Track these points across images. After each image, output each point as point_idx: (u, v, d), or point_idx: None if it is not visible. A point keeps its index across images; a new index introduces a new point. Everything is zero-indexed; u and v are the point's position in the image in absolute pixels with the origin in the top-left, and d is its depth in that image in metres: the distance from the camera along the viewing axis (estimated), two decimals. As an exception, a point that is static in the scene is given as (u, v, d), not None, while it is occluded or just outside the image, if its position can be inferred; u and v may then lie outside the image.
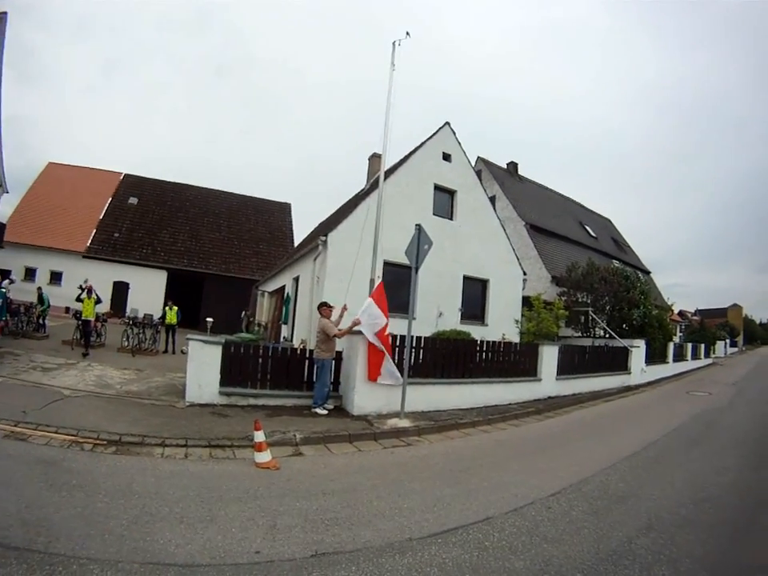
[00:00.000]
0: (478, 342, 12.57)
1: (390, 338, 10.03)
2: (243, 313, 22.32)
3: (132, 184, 38.34)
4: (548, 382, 13.61)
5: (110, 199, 36.11)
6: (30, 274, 31.27)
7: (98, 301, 15.95)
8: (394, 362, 10.11)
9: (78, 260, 31.52)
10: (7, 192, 26.05)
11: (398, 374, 9.83)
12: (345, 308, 10.24)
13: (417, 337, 10.94)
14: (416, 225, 10.32)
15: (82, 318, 15.50)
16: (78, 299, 15.74)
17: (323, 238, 15.16)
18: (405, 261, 10.53)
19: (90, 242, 32.56)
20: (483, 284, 19.24)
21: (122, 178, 38.60)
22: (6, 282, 15.60)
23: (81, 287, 16.07)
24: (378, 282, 10.40)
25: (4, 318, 14.53)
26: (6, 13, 20.09)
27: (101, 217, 34.54)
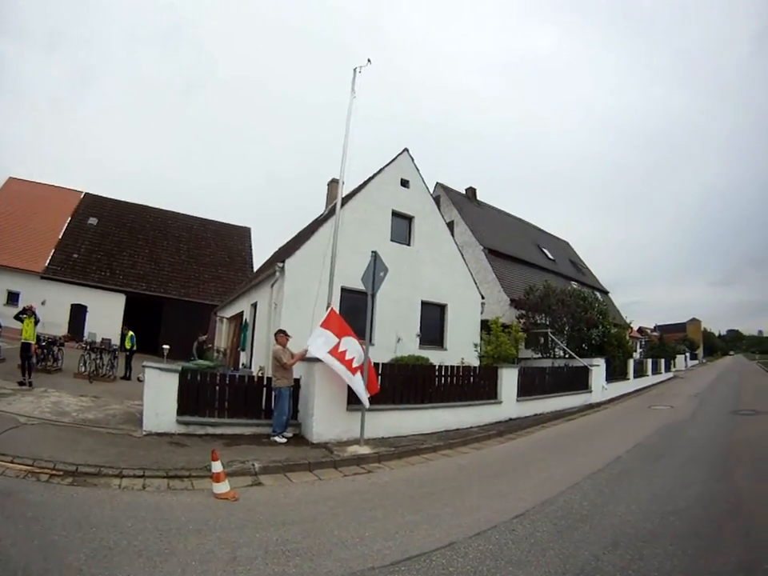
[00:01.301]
0: (437, 367, 12.64)
1: (348, 356, 9.64)
2: (197, 339, 22.00)
3: (92, 203, 37.59)
4: (509, 404, 13.72)
5: (70, 219, 35.31)
6: (-15, 293, 30.35)
7: (37, 320, 14.62)
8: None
9: (35, 280, 30.65)
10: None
11: (364, 394, 9.66)
12: (304, 353, 10.02)
13: (375, 363, 10.92)
14: (372, 252, 10.43)
15: (22, 340, 14.01)
16: (17, 318, 14.53)
17: (280, 265, 15.19)
18: (362, 287, 10.60)
19: (48, 262, 31.66)
20: (441, 309, 19.42)
21: (82, 196, 37.80)
22: None
23: (24, 308, 14.84)
24: (329, 309, 10.43)
25: None
26: None
27: (60, 236, 33.70)
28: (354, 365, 9.58)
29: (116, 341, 21.67)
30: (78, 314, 31.14)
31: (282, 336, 10.40)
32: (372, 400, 10.21)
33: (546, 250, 36.78)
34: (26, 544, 4.49)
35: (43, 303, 28.96)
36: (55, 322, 28.33)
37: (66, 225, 34.77)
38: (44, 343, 17.07)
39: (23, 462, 6.82)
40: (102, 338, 19.72)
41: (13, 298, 30.36)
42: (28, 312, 14.27)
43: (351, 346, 9.68)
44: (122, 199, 40.07)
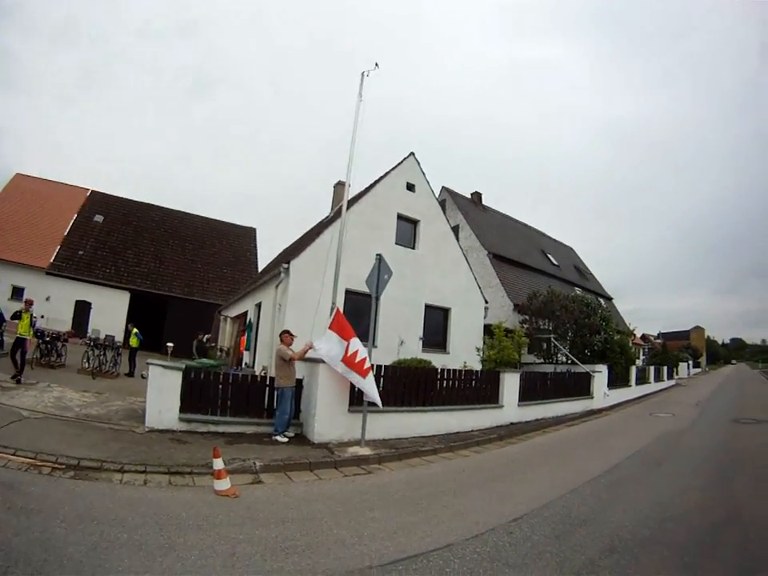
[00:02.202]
0: (439, 370, 12.68)
1: (358, 358, 9.67)
2: (196, 338, 21.99)
3: (98, 201, 37.70)
4: (510, 408, 13.73)
5: (76, 216, 35.44)
6: (-10, 287, 30.38)
7: (33, 321, 13.92)
8: (354, 389, 10.22)
9: (40, 276, 30.75)
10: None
11: (376, 395, 9.70)
12: (309, 346, 10.09)
13: (378, 365, 11.00)
14: (376, 255, 10.50)
15: (17, 335, 13.52)
16: (15, 316, 13.90)
17: (285, 266, 15.23)
18: (366, 289, 10.67)
19: (53, 258, 31.77)
20: (445, 312, 19.42)
21: (88, 194, 37.95)
22: None
23: (24, 302, 14.49)
24: (334, 309, 10.52)
25: None
26: None
27: (65, 233, 33.81)
28: (366, 365, 9.66)
29: (120, 338, 21.76)
30: (82, 310, 31.22)
31: (287, 336, 10.45)
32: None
33: (550, 256, 36.77)
34: (27, 535, 4.52)
35: (48, 299, 29.17)
36: (59, 318, 28.57)
37: (72, 222, 34.90)
38: (47, 338, 17.10)
39: (25, 454, 6.86)
40: (106, 335, 19.74)
41: (17, 292, 30.36)
42: (27, 306, 13.93)
43: (360, 346, 9.73)
44: (128, 197, 40.28)
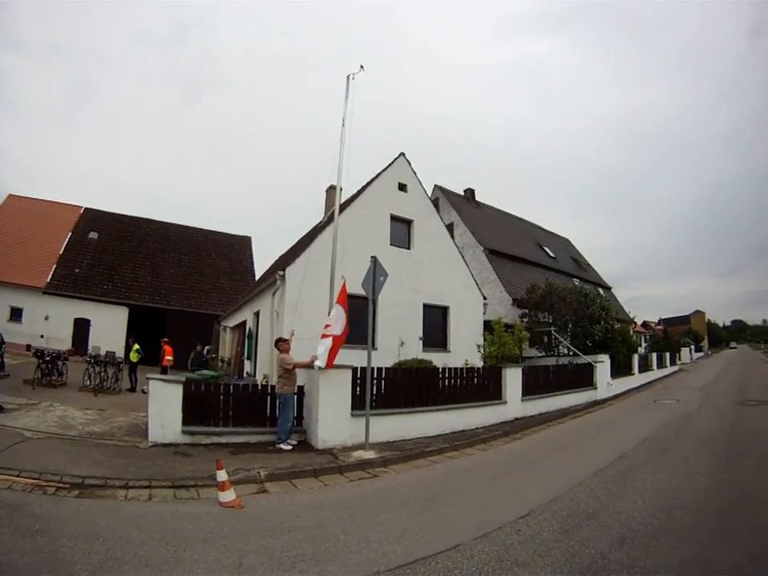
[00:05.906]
0: (440, 369, 12.65)
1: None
2: (195, 348, 21.86)
3: (92, 218, 37.67)
4: (513, 403, 13.70)
5: (70, 234, 35.43)
6: (-12, 309, 30.26)
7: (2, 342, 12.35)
8: (356, 393, 10.32)
9: (38, 296, 30.77)
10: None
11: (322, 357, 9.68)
12: (314, 359, 9.84)
13: (378, 368, 11.03)
14: (371, 257, 10.47)
15: None
16: None
17: (281, 273, 15.21)
18: (363, 292, 10.64)
19: (50, 277, 31.76)
20: (443, 311, 19.38)
21: (82, 211, 37.90)
22: None
23: None
24: (341, 282, 10.50)
25: None
26: None
27: (61, 252, 33.78)
28: (326, 331, 9.84)
29: (120, 353, 21.70)
30: (81, 327, 31.19)
31: (283, 343, 10.45)
32: (377, 404, 10.48)
33: (546, 249, 36.71)
34: (34, 556, 4.53)
35: (47, 318, 29.19)
36: (59, 337, 28.63)
37: (67, 240, 34.90)
38: (48, 358, 17.07)
39: (30, 475, 6.86)
40: (107, 351, 19.70)
41: (16, 313, 30.56)
42: None
43: (334, 310, 10.11)
44: (122, 212, 40.26)
